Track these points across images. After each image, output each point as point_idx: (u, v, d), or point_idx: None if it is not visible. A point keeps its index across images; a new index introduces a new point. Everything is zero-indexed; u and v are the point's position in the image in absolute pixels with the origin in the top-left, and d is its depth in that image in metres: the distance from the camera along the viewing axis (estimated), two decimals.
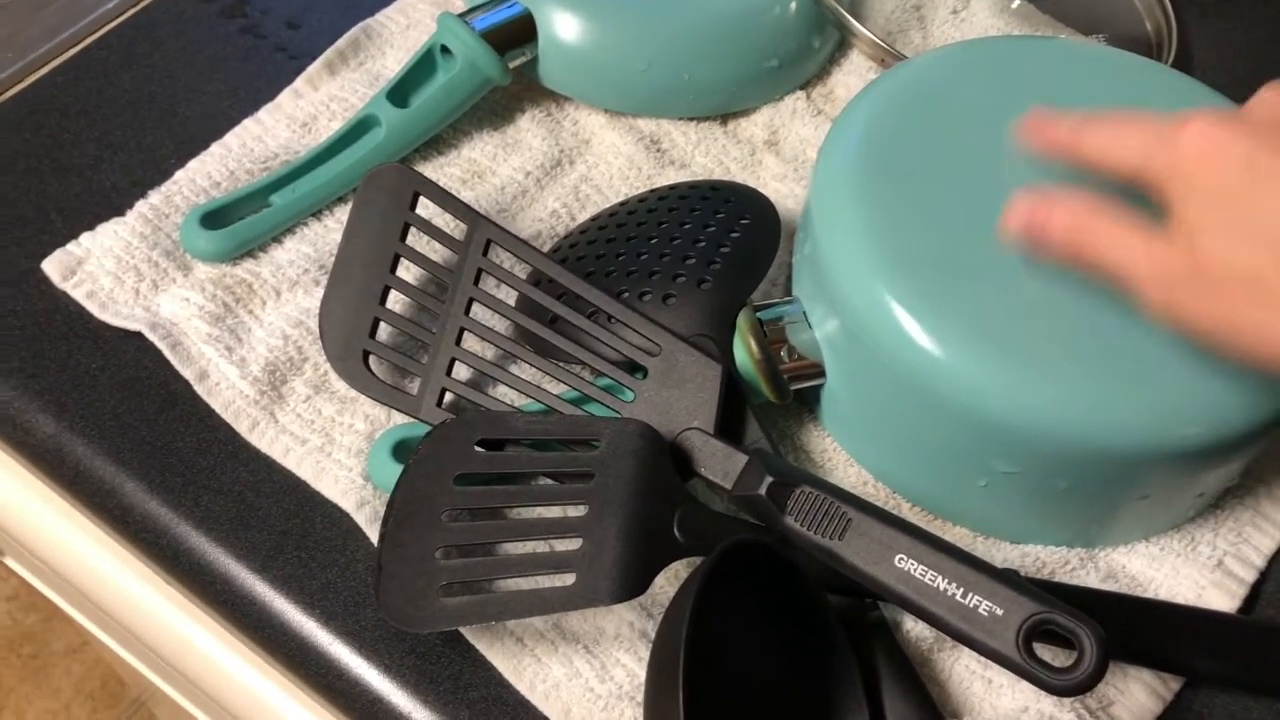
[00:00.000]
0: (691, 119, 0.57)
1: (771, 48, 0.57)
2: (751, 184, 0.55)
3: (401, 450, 0.45)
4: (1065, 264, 0.39)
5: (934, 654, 0.42)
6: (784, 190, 0.55)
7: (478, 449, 0.42)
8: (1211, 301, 0.36)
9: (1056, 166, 0.45)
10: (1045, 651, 0.38)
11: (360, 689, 0.42)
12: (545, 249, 0.52)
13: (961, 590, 0.38)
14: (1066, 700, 0.41)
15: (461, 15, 0.55)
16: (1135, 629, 0.42)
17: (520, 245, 0.46)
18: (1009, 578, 0.38)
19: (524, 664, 0.42)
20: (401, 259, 0.47)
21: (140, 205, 0.52)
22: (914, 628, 0.42)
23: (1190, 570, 0.45)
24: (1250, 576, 0.45)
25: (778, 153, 0.57)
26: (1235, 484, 0.47)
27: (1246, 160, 0.35)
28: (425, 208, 0.47)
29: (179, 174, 0.53)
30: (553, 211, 0.53)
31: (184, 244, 0.50)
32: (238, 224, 0.51)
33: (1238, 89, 0.59)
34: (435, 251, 0.49)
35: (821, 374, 0.46)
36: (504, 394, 0.47)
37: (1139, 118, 0.39)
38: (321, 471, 0.46)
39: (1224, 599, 0.44)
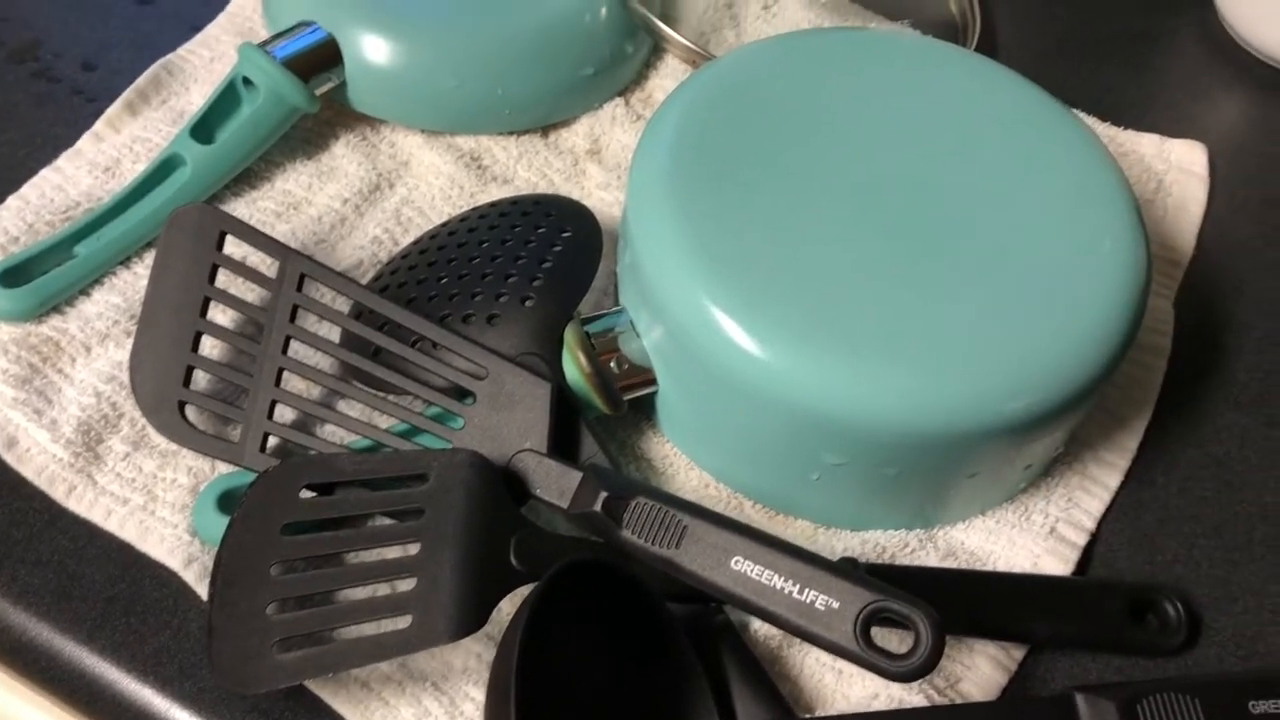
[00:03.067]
0: (511, 133, 0.57)
1: (584, 56, 0.57)
2: (576, 195, 0.55)
3: (228, 501, 0.43)
4: None
5: (783, 651, 0.42)
6: (609, 198, 0.55)
7: (303, 495, 0.41)
8: None
9: (866, 158, 0.46)
10: (892, 638, 0.38)
11: None
12: (368, 277, 0.51)
13: (798, 587, 0.38)
14: (914, 683, 0.41)
15: (263, 44, 0.53)
16: (976, 603, 0.43)
17: (334, 277, 0.44)
18: (844, 570, 0.38)
19: (372, 709, 0.40)
20: (212, 302, 0.45)
21: None
22: (761, 628, 0.43)
23: (1025, 540, 0.46)
24: (1081, 540, 0.46)
25: (600, 161, 0.57)
26: (1062, 452, 0.48)
27: None
28: (237, 246, 0.46)
29: None
30: (374, 238, 0.52)
31: None
32: (40, 279, 0.48)
33: (1039, 64, 0.61)
34: (250, 292, 0.47)
35: (654, 382, 0.46)
36: (332, 433, 0.46)
37: None
38: (146, 531, 0.44)
39: (1058, 564, 0.46)
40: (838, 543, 0.45)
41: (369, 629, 0.39)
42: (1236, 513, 0.48)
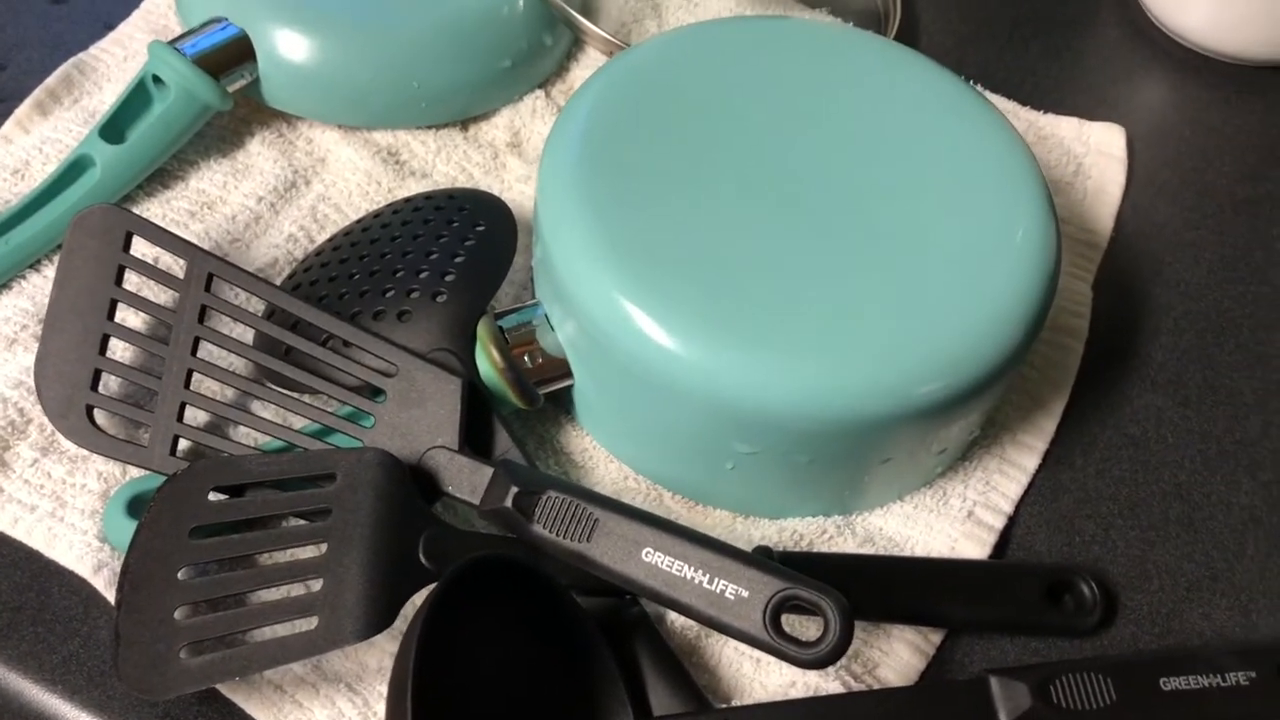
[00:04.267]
0: (430, 127, 0.56)
1: (501, 48, 0.56)
2: (496, 188, 0.54)
3: (138, 506, 0.43)
4: None
5: (701, 642, 0.42)
6: (528, 192, 0.55)
7: (212, 498, 0.40)
8: None
9: (777, 147, 0.46)
10: (809, 627, 0.38)
11: None
12: (282, 276, 0.50)
13: (708, 577, 0.38)
14: (831, 669, 0.42)
15: (172, 42, 0.52)
16: (893, 589, 0.43)
17: (243, 276, 0.44)
18: (755, 559, 0.38)
19: (285, 711, 0.40)
20: (119, 303, 0.44)
21: None
22: (678, 619, 0.43)
23: (943, 524, 0.46)
24: (999, 523, 0.47)
25: (520, 154, 0.56)
26: (979, 435, 0.48)
27: None
28: (148, 247, 0.45)
29: None
30: (289, 236, 0.52)
31: None
32: None
33: (960, 51, 0.61)
34: (162, 293, 0.47)
35: (570, 375, 0.45)
36: (244, 434, 0.45)
37: None
38: (54, 538, 0.43)
39: (975, 548, 0.46)
40: (756, 531, 0.45)
41: (278, 631, 0.39)
42: (1152, 492, 0.49)
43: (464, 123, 0.57)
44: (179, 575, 0.39)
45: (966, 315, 0.42)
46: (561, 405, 0.48)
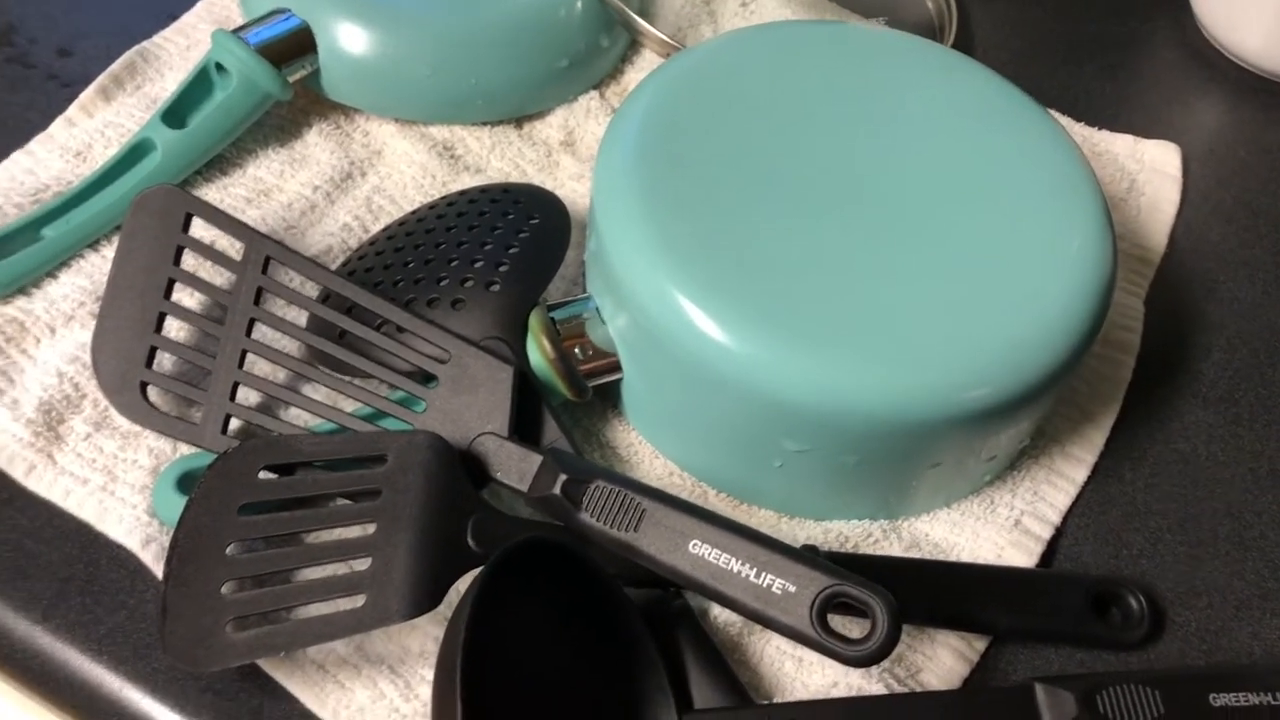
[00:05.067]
0: (485, 123, 0.57)
1: (559, 48, 0.57)
2: (548, 185, 0.55)
3: (187, 482, 0.43)
4: None
5: (744, 638, 0.42)
6: (581, 189, 0.55)
7: (262, 476, 0.40)
8: None
9: (835, 149, 0.46)
10: (852, 627, 0.38)
11: None
12: (336, 264, 0.51)
13: (755, 570, 0.38)
14: (875, 671, 0.41)
15: (236, 30, 0.53)
16: (938, 593, 0.43)
17: (299, 260, 0.44)
18: (802, 555, 0.38)
19: (326, 690, 0.40)
20: (177, 283, 0.45)
21: None
22: (721, 614, 0.42)
23: (990, 532, 0.46)
24: (1046, 533, 0.46)
25: (574, 153, 0.57)
26: (1028, 445, 0.48)
27: None
28: (205, 230, 0.46)
29: None
30: (344, 225, 0.52)
31: None
32: (7, 260, 0.48)
33: (1015, 65, 0.61)
34: (218, 275, 0.47)
35: (619, 369, 0.45)
36: (295, 415, 0.45)
37: None
38: (105, 511, 0.43)
39: (1022, 557, 0.45)
40: (801, 532, 0.45)
41: (324, 608, 0.39)
42: (1202, 509, 0.48)
43: (519, 120, 0.57)
44: (227, 551, 0.39)
45: (1020, 323, 0.42)
46: (608, 399, 0.48)
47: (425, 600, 0.37)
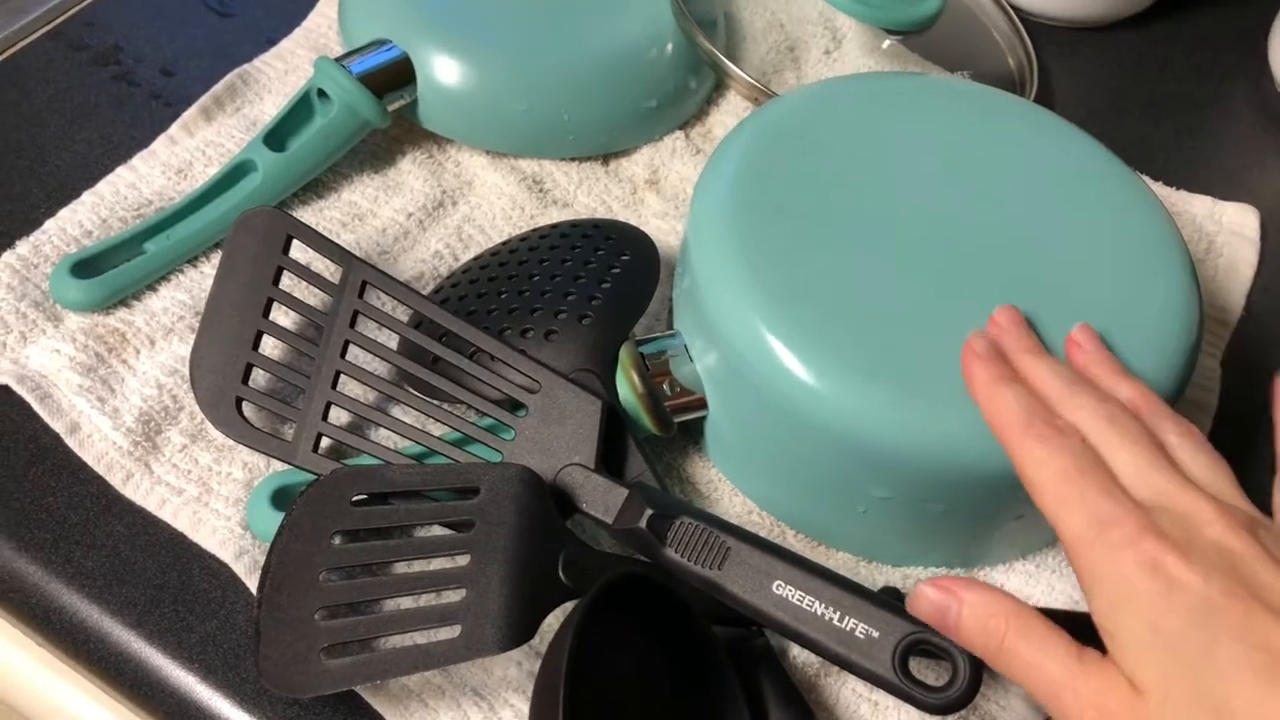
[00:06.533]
0: (573, 159, 0.58)
1: (649, 89, 0.58)
2: (633, 222, 0.56)
3: (281, 497, 0.44)
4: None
5: (820, 679, 0.43)
6: (665, 227, 0.56)
7: (354, 504, 0.41)
8: None
9: (924, 199, 0.47)
10: (929, 672, 0.39)
11: None
12: (428, 290, 0.52)
13: (838, 614, 0.38)
14: (952, 718, 0.42)
15: (339, 59, 0.54)
16: None
17: (396, 286, 0.45)
18: (885, 600, 0.39)
19: (411, 710, 0.41)
20: (275, 303, 0.46)
21: (7, 256, 0.50)
22: (800, 654, 0.43)
23: (1064, 585, 0.46)
24: None
25: (658, 191, 0.58)
26: None
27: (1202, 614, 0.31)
28: (302, 252, 0.47)
29: (49, 223, 0.52)
30: (435, 252, 0.53)
31: (54, 294, 0.49)
32: (110, 272, 0.50)
33: (1093, 123, 0.61)
34: (313, 296, 0.49)
35: (704, 406, 0.46)
36: (384, 437, 0.46)
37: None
38: (199, 522, 0.45)
39: None
40: (879, 577, 0.46)
41: (415, 639, 0.39)
42: None
43: (605, 157, 0.59)
44: (320, 578, 0.40)
45: None
46: (689, 435, 0.48)
47: (520, 633, 0.38)
